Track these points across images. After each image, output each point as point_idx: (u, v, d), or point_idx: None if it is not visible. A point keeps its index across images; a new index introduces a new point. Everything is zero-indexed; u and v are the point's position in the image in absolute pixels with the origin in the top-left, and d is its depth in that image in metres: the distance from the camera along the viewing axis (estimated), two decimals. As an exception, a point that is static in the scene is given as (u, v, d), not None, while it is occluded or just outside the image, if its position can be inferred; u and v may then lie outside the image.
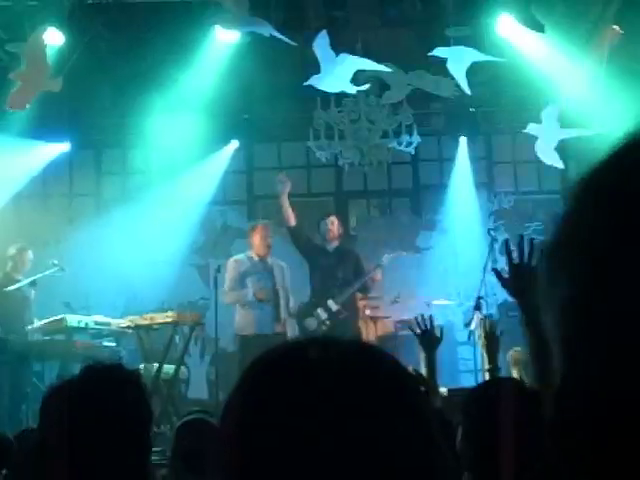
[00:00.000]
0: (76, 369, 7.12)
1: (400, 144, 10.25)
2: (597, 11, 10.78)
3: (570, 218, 0.79)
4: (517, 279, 2.71)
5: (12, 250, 9.11)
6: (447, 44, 9.43)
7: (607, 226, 0.74)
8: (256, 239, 9.16)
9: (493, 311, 9.16)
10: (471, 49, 9.03)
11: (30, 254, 9.10)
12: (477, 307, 8.03)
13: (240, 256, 9.30)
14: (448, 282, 11.55)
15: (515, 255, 2.73)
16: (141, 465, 2.14)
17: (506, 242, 2.85)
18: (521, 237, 2.68)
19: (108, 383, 2.12)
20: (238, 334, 8.97)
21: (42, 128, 11.33)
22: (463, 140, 11.81)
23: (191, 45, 10.02)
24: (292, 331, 9.04)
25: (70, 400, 2.09)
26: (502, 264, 8.73)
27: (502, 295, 9.61)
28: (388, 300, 10.58)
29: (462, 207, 11.91)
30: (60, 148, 11.63)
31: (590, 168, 0.79)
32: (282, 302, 8.96)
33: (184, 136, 11.50)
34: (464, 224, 11.81)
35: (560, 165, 9.94)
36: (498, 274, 2.88)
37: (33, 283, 8.59)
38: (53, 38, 9.21)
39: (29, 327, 8.15)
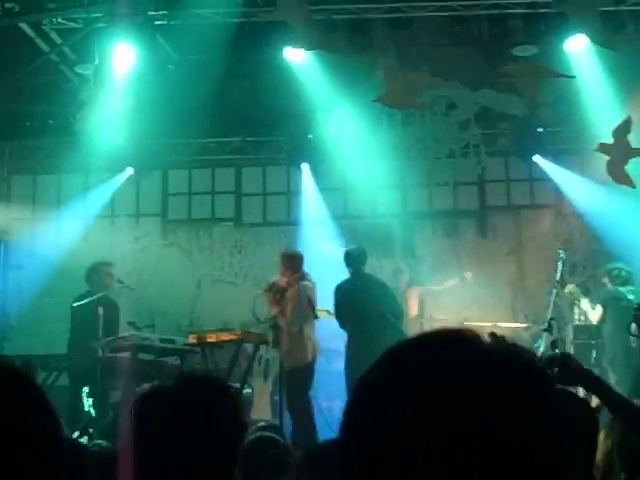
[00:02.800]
0: (140, 387, 6.98)
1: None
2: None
3: None
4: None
5: (91, 268, 9.15)
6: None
7: None
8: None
9: (563, 333, 8.95)
10: (541, 64, 8.88)
11: (108, 270, 9.09)
12: (548, 329, 7.85)
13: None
14: (515, 304, 11.35)
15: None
16: (227, 476, 2.09)
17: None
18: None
19: (204, 391, 2.10)
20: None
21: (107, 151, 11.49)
22: (539, 159, 11.49)
23: (258, 66, 10.04)
24: None
25: (166, 405, 2.06)
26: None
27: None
28: (455, 322, 10.42)
29: (529, 229, 11.73)
30: (125, 175, 11.79)
31: None
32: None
33: (249, 157, 11.51)
34: (531, 245, 11.62)
35: (631, 185, 9.66)
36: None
37: (100, 301, 8.60)
38: (121, 60, 9.29)
39: (96, 344, 8.18)
